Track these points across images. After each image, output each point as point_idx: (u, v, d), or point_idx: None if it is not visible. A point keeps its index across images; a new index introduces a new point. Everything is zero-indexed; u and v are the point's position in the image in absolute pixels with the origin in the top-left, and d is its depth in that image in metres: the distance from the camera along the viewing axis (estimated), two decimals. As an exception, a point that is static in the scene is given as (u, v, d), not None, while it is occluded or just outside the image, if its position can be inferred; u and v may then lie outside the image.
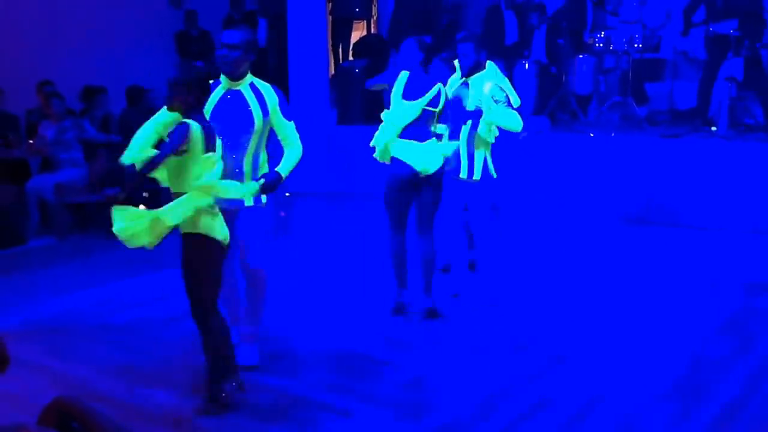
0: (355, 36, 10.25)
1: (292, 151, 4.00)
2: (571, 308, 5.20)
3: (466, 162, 5.01)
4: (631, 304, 5.27)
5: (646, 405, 3.83)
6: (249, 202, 3.95)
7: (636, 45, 8.22)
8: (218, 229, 3.54)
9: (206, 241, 3.51)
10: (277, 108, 3.94)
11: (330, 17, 9.69)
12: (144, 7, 10.12)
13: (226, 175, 3.75)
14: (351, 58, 9.99)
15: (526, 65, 8.91)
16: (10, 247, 6.82)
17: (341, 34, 9.88)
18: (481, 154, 5.02)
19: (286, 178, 3.99)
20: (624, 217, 7.54)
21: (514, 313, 5.11)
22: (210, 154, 3.49)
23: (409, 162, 4.60)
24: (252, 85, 3.94)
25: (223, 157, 3.68)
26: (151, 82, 7.70)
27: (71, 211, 7.37)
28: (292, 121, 4.00)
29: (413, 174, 4.62)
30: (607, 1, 8.88)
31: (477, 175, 5.03)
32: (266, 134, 4.00)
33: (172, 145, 3.41)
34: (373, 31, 9.92)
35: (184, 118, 3.48)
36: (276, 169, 3.95)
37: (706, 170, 7.34)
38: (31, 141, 7.66)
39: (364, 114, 8.82)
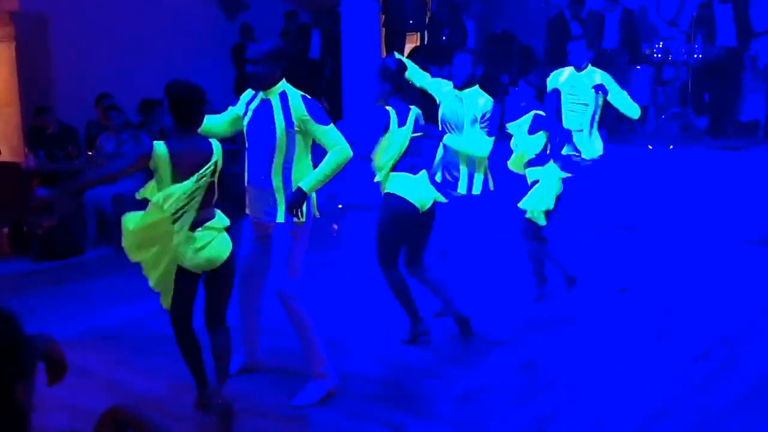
0: (409, 48, 10.20)
1: (331, 156, 3.67)
2: (624, 324, 5.06)
3: (466, 177, 4.74)
4: (680, 318, 5.12)
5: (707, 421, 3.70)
6: (280, 218, 3.76)
7: (696, 55, 8.00)
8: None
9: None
10: (306, 115, 3.66)
11: (383, 29, 9.69)
12: (200, 21, 10.28)
13: (255, 191, 3.75)
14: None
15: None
16: (68, 257, 6.92)
17: (395, 46, 9.83)
18: (482, 170, 4.76)
19: (322, 184, 3.69)
20: (687, 231, 7.32)
21: (565, 329, 4.98)
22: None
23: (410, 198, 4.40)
24: (282, 95, 3.71)
25: (250, 168, 3.72)
26: (208, 93, 7.78)
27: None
28: (329, 125, 3.70)
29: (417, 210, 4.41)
30: (666, 11, 8.67)
31: (477, 190, 4.74)
32: (300, 148, 3.72)
33: None
34: (426, 43, 9.87)
35: None
36: (299, 184, 3.67)
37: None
38: (90, 153, 7.81)
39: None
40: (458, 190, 4.74)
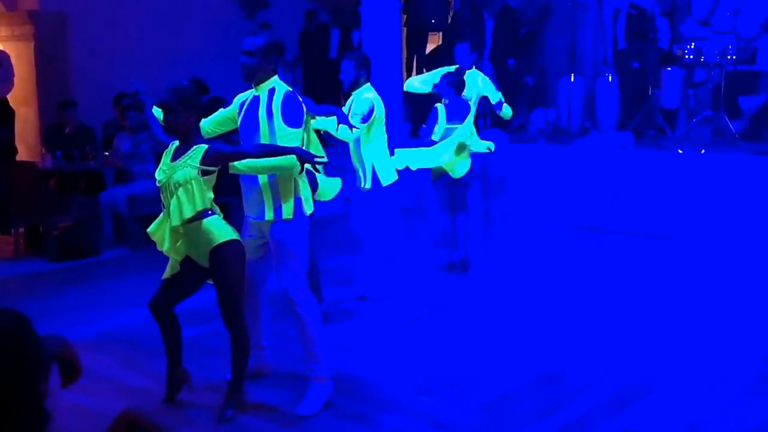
0: (430, 48, 10.04)
1: (270, 161, 3.58)
2: (650, 333, 4.87)
3: (361, 171, 5.07)
4: (713, 329, 4.90)
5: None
6: (269, 216, 3.74)
7: (729, 56, 7.76)
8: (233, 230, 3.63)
9: (236, 244, 3.60)
10: (279, 112, 3.65)
11: (404, 29, 9.52)
12: (219, 19, 10.20)
13: (246, 189, 3.80)
14: (425, 70, 9.80)
15: (609, 77, 8.55)
16: (83, 258, 6.84)
17: (416, 45, 9.69)
18: (369, 164, 5.03)
19: (249, 171, 3.64)
20: (718, 239, 7.08)
21: (587, 338, 4.81)
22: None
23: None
24: (271, 91, 3.72)
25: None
26: (225, 93, 7.68)
27: (144, 223, 7.34)
28: (293, 130, 3.66)
29: None
30: (698, 10, 8.43)
31: (367, 184, 5.04)
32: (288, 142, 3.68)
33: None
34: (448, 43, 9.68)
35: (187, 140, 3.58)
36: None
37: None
38: (106, 153, 7.71)
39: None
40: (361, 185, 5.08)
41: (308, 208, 3.85)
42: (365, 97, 4.90)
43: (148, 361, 4.43)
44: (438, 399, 3.96)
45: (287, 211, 3.73)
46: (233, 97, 4.02)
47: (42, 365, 1.56)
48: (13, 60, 8.47)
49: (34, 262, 6.82)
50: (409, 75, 9.85)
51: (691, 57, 7.92)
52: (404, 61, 9.66)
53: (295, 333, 4.06)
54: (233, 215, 7.87)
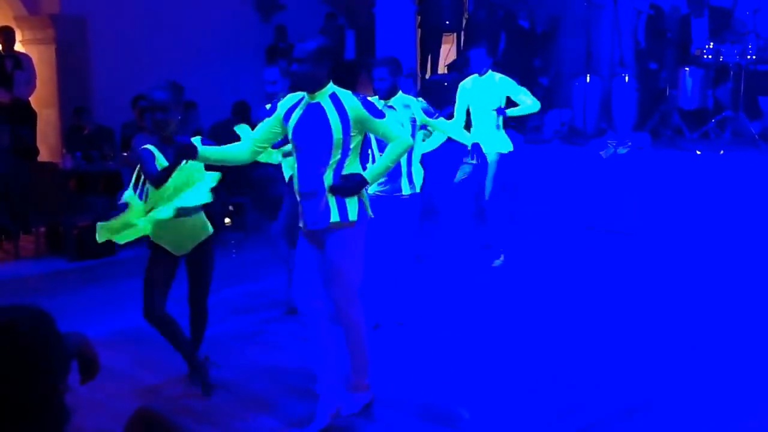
0: (445, 49, 10.05)
1: (392, 147, 3.68)
2: (672, 337, 4.79)
3: (406, 179, 4.93)
4: (734, 336, 4.80)
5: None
6: (335, 218, 3.57)
7: (749, 56, 7.69)
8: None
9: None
10: (366, 114, 3.56)
11: (419, 30, 9.53)
12: (235, 21, 10.27)
13: (307, 199, 3.62)
14: (445, 71, 9.79)
15: (626, 78, 8.51)
16: (100, 257, 6.92)
17: (430, 46, 9.69)
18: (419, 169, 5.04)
19: (382, 176, 3.85)
20: (738, 241, 7.01)
21: (605, 342, 4.77)
22: None
23: None
24: (333, 96, 3.57)
25: (301, 174, 3.61)
26: (243, 95, 7.74)
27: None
28: (386, 117, 3.70)
29: None
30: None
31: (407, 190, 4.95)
32: (354, 146, 3.60)
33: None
34: (463, 44, 9.69)
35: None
36: (363, 174, 3.62)
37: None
38: (125, 153, 7.79)
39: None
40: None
41: (369, 212, 3.73)
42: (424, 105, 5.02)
43: (162, 360, 4.43)
44: (454, 400, 3.95)
45: (352, 212, 3.59)
46: (249, 98, 4.01)
47: (63, 362, 1.59)
48: (35, 63, 8.59)
49: (54, 261, 6.94)
50: (423, 76, 9.86)
51: (710, 57, 7.85)
52: (418, 62, 9.66)
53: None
54: (247, 216, 7.88)
